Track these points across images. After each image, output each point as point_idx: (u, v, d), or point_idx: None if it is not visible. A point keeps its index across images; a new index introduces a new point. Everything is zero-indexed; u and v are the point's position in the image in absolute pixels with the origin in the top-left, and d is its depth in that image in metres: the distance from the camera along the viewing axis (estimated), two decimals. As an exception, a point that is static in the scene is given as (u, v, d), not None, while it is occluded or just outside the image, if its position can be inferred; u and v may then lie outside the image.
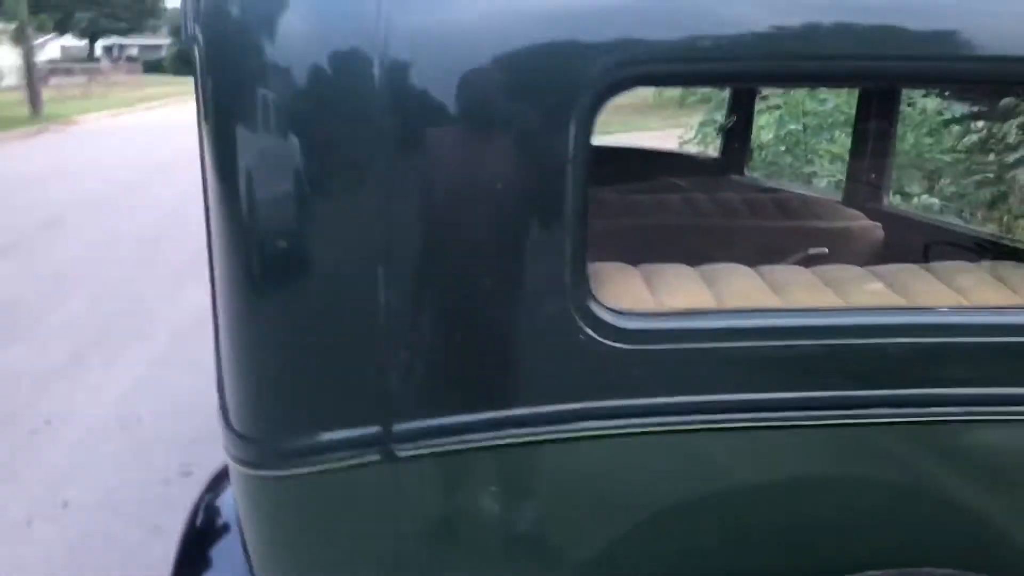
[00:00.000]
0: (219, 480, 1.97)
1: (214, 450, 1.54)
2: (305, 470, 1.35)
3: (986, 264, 1.66)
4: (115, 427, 4.34)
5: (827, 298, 1.47)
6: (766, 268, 1.58)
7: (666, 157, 4.92)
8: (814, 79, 2.49)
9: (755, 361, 1.37)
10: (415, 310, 1.29)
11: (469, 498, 1.39)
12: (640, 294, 1.42)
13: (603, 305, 1.32)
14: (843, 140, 6.14)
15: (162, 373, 5.01)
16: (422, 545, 1.39)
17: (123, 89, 32.39)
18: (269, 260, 1.26)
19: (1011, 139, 5.98)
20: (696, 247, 2.99)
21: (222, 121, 1.24)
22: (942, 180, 6.30)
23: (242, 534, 1.54)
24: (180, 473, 3.78)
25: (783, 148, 6.82)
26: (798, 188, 4.40)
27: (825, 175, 6.13)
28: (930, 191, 6.33)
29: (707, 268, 1.56)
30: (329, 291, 1.28)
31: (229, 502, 1.79)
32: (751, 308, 1.40)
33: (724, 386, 1.36)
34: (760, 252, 2.92)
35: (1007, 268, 1.62)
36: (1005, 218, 5.79)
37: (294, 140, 1.22)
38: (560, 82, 1.21)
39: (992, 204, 5.80)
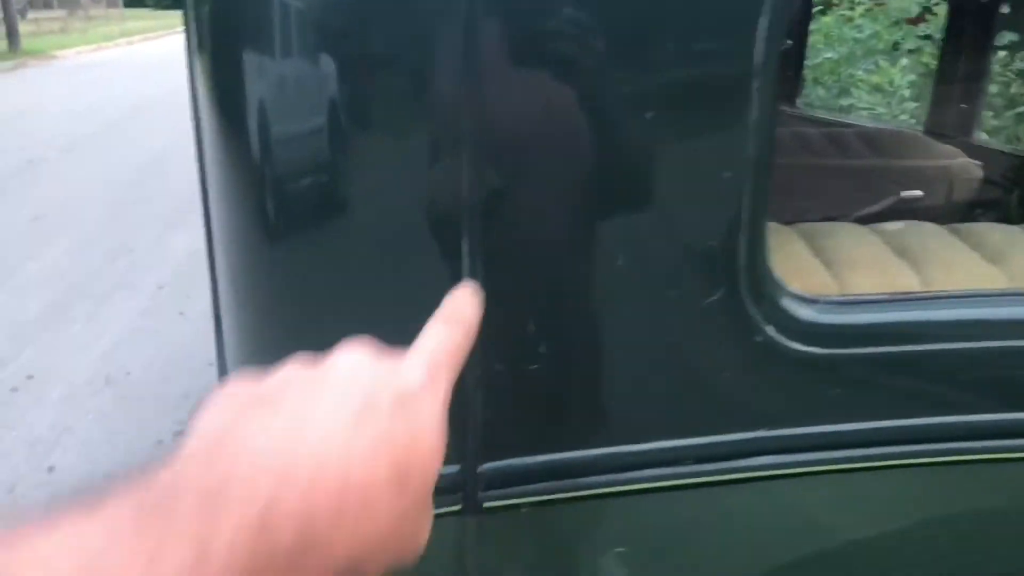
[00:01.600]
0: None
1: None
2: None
3: None
4: (101, 383, 4.03)
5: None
6: (960, 227, 1.16)
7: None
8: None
9: (1002, 368, 0.95)
10: (517, 305, 0.87)
11: (585, 565, 0.98)
12: (816, 272, 0.99)
13: (787, 289, 0.90)
14: (887, 69, 5.68)
15: (150, 324, 4.68)
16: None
17: (104, 23, 31.34)
18: (291, 219, 0.86)
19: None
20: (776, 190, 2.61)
21: (224, 44, 0.87)
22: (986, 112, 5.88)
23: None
24: (174, 432, 3.50)
25: (813, 79, 6.35)
26: (858, 120, 3.96)
27: (864, 107, 5.68)
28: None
29: (887, 230, 1.14)
30: (377, 269, 0.86)
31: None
32: (979, 292, 0.98)
33: (956, 402, 0.95)
34: (840, 198, 2.55)
35: None
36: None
37: (330, 63, 0.80)
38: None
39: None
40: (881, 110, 5.66)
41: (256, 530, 0.41)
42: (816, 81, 6.41)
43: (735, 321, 0.89)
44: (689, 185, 0.86)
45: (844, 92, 5.95)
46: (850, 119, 3.98)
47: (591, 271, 0.87)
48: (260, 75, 0.84)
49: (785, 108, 3.70)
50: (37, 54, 19.66)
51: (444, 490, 0.93)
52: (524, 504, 0.93)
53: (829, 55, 6.00)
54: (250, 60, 0.84)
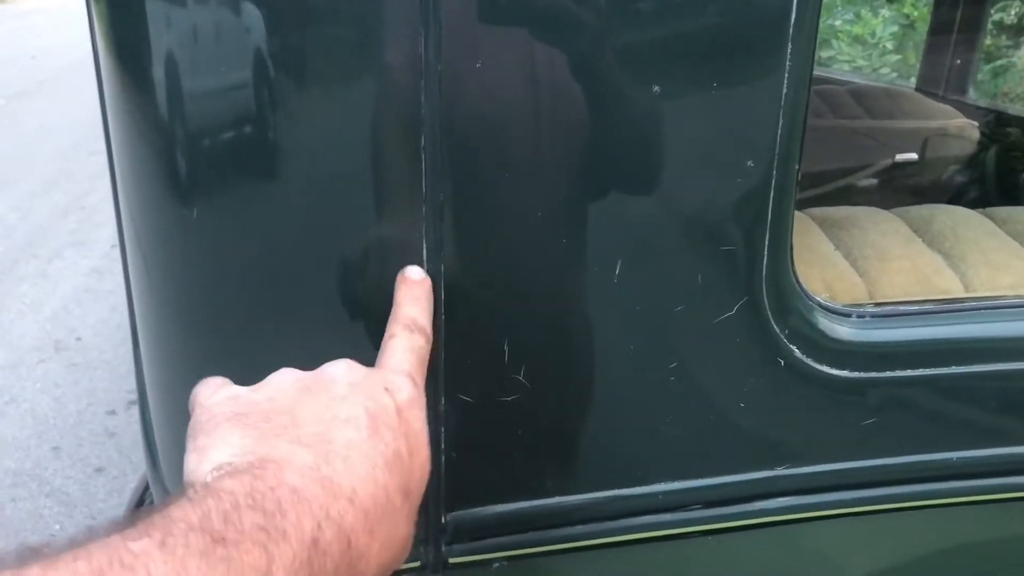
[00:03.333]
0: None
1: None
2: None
3: None
4: (50, 349, 3.84)
5: None
6: (996, 212, 1.01)
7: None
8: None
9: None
10: (487, 322, 0.70)
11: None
12: (841, 271, 0.84)
13: (815, 301, 0.74)
14: (868, 20, 5.52)
15: (102, 285, 4.46)
16: None
17: (58, -36, 30.39)
18: (204, 184, 0.70)
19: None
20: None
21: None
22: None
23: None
24: (127, 402, 3.34)
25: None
26: (851, 76, 3.81)
27: (845, 59, 5.52)
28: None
29: (915, 215, 0.98)
30: (314, 276, 0.70)
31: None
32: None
33: (1008, 433, 0.80)
34: (831, 159, 2.40)
35: None
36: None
37: (254, 11, 0.62)
38: None
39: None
40: (862, 62, 5.50)
41: (310, 551, 0.43)
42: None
43: (755, 341, 0.74)
44: (701, 177, 0.69)
45: (824, 44, 5.79)
46: (834, 73, 3.82)
47: (579, 283, 0.71)
48: (167, 24, 0.65)
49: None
50: None
51: (402, 543, 0.77)
52: (496, 559, 0.78)
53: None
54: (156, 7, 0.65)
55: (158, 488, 0.88)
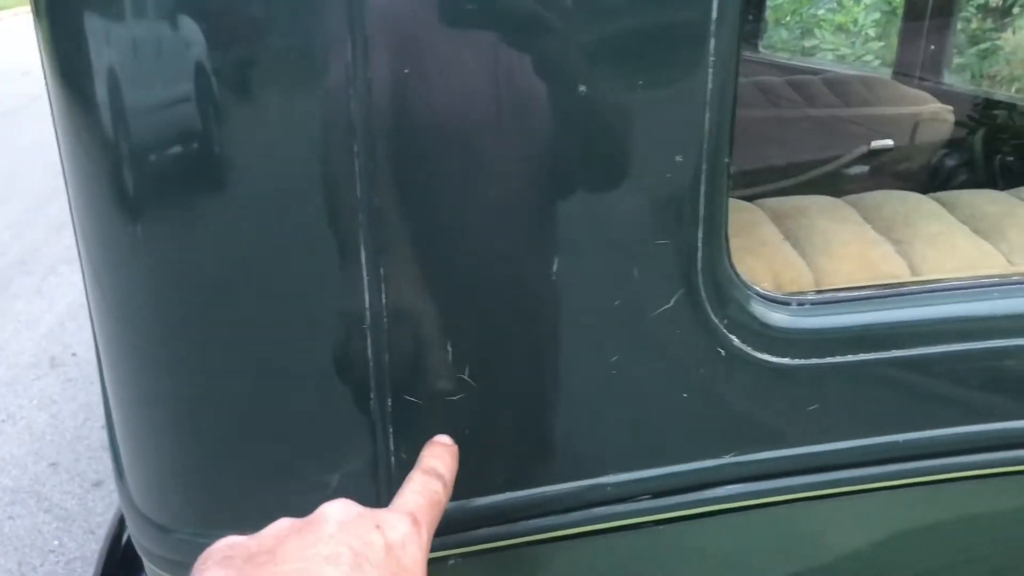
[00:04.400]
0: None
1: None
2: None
3: None
4: (46, 365, 3.84)
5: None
6: (944, 196, 1.02)
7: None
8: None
9: (1012, 370, 0.82)
10: (429, 322, 0.71)
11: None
12: (787, 260, 0.85)
13: (754, 290, 0.76)
14: (850, 8, 5.52)
15: (96, 302, 4.47)
16: None
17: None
18: (149, 201, 0.71)
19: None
20: (737, 145, 2.45)
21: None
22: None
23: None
24: None
25: (774, 20, 6.17)
26: (822, 64, 3.82)
27: (828, 48, 5.52)
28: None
29: (865, 202, 0.99)
30: (261, 286, 0.71)
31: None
32: (986, 279, 0.84)
33: (962, 413, 0.81)
34: (806, 148, 2.41)
35: None
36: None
37: (191, 26, 0.63)
38: None
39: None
40: (846, 50, 5.50)
41: None
42: (779, 22, 6.24)
43: (694, 331, 0.75)
44: (632, 173, 0.70)
45: (808, 33, 5.78)
46: (815, 63, 3.83)
47: (518, 281, 0.72)
48: (107, 39, 0.66)
49: (749, 54, 3.54)
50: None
51: (357, 542, 0.78)
52: (451, 556, 0.79)
53: (790, -8, 5.83)
54: (94, 23, 0.67)
55: (125, 500, 0.89)
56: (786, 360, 0.77)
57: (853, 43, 5.56)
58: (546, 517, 0.79)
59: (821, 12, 5.84)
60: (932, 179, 2.37)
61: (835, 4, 5.69)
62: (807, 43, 5.64)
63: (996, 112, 2.53)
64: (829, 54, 5.43)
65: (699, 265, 0.73)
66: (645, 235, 0.72)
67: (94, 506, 2.89)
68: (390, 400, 0.73)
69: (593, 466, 0.78)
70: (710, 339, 0.75)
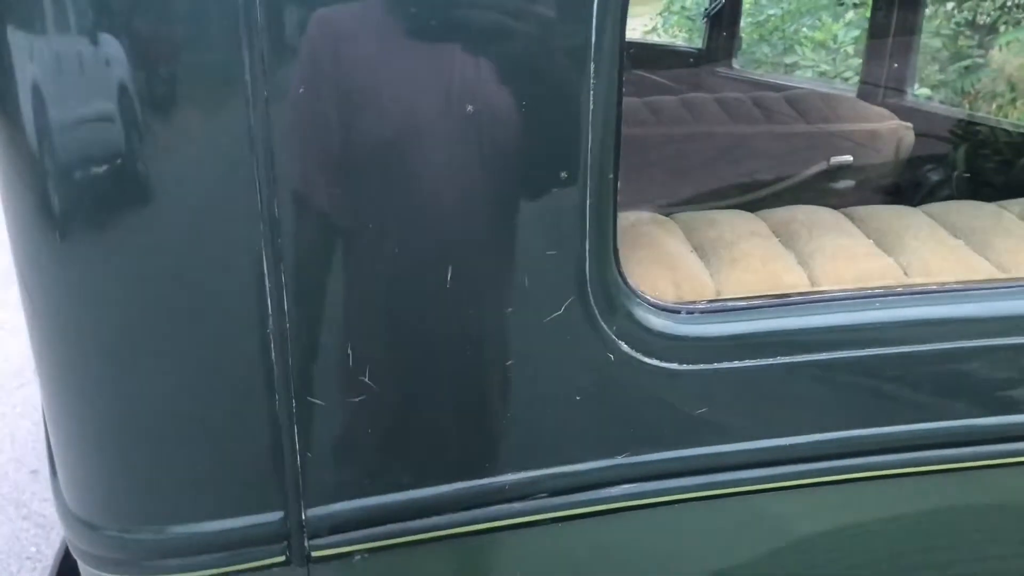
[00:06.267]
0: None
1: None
2: None
3: None
4: (29, 372, 3.85)
5: (969, 262, 0.95)
6: (856, 211, 1.06)
7: (639, 49, 4.31)
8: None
9: (898, 376, 0.86)
10: (329, 327, 0.75)
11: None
12: (691, 269, 0.89)
13: (644, 299, 0.80)
14: (829, 25, 5.56)
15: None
16: None
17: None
18: (85, 236, 0.74)
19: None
20: (690, 160, 2.50)
21: None
22: (930, 67, 5.80)
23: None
24: None
25: (758, 36, 6.21)
26: (798, 81, 3.85)
27: (808, 65, 5.56)
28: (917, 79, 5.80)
29: (777, 217, 1.03)
30: (184, 297, 0.74)
31: None
32: (872, 290, 0.88)
33: (840, 418, 0.85)
34: (769, 163, 2.44)
35: None
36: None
37: (111, 42, 0.67)
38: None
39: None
40: (826, 67, 5.54)
41: None
42: (762, 39, 6.27)
43: (585, 338, 0.79)
44: (522, 188, 0.74)
45: (789, 50, 5.82)
46: (784, 79, 3.88)
47: (414, 289, 0.76)
48: (30, 53, 0.70)
49: (721, 69, 3.59)
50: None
51: (267, 539, 0.82)
52: (358, 551, 0.83)
53: (772, 12, 5.86)
54: (17, 35, 0.70)
55: (59, 501, 0.93)
56: (674, 365, 0.81)
57: (833, 59, 5.60)
58: (447, 515, 0.83)
59: (803, 30, 5.88)
60: (892, 194, 2.40)
61: (816, 21, 5.73)
62: (787, 59, 5.68)
63: (974, 129, 2.57)
64: (809, 71, 5.47)
65: (588, 275, 0.77)
66: (535, 246, 0.76)
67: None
68: (294, 402, 0.77)
69: (492, 465, 0.82)
70: (600, 345, 0.79)
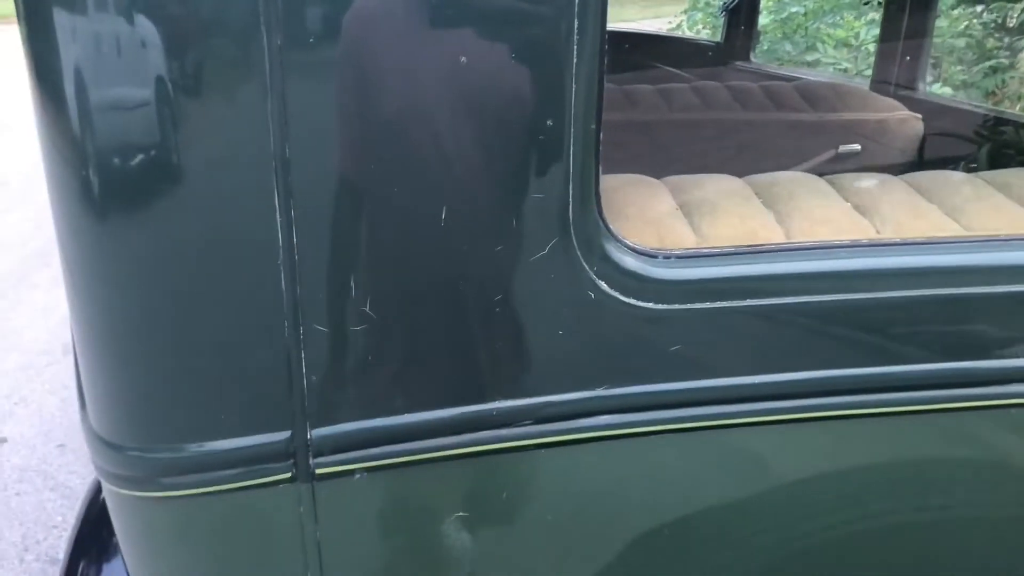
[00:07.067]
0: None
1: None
2: (190, 492, 0.92)
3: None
4: (59, 352, 3.94)
5: (939, 223, 1.02)
6: (840, 179, 1.12)
7: (657, 42, 4.38)
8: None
9: (860, 322, 0.92)
10: (334, 260, 0.83)
11: (423, 531, 0.96)
12: (674, 224, 0.96)
13: (623, 243, 0.87)
14: (851, 23, 5.59)
15: (109, 294, 4.57)
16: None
17: None
18: (114, 192, 0.82)
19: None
20: (705, 147, 2.57)
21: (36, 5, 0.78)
22: (954, 67, 5.80)
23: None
24: None
25: (780, 34, 6.25)
26: (815, 75, 3.90)
27: (829, 62, 5.59)
28: (940, 79, 5.82)
29: (761, 180, 1.10)
30: (203, 234, 0.82)
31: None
32: (844, 242, 0.94)
33: (806, 359, 0.92)
34: (777, 150, 2.50)
35: None
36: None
37: (145, 23, 0.74)
38: None
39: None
40: (847, 65, 5.57)
41: None
42: (784, 36, 6.31)
43: (567, 276, 0.86)
44: (513, 134, 0.82)
45: (811, 48, 5.85)
46: (800, 73, 3.92)
47: (413, 228, 0.83)
48: (73, 34, 0.78)
49: (740, 64, 3.65)
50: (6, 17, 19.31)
51: (275, 457, 0.90)
52: (358, 470, 0.90)
53: (795, 9, 5.90)
54: (62, 22, 0.78)
55: (86, 427, 1.01)
56: (650, 304, 0.88)
57: (855, 57, 5.63)
58: (439, 438, 0.90)
59: (823, 27, 5.91)
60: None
61: (838, 19, 5.76)
62: (809, 57, 5.72)
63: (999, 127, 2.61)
64: (830, 68, 5.51)
65: (571, 218, 0.84)
66: (523, 189, 0.83)
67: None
68: (301, 328, 0.84)
69: (483, 393, 0.89)
70: (581, 284, 0.86)
